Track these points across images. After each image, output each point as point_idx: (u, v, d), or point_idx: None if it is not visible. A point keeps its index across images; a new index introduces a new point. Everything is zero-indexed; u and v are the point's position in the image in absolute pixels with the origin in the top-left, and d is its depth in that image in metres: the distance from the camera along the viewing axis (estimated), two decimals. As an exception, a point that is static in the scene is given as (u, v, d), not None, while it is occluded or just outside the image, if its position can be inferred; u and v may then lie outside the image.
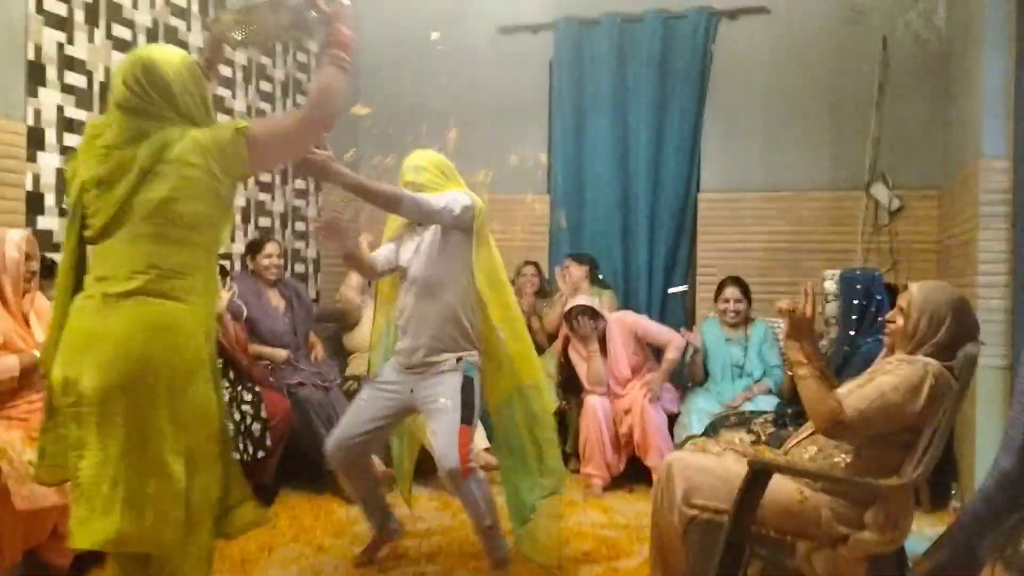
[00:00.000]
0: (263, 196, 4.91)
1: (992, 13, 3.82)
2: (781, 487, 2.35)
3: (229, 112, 4.58)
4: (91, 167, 1.99)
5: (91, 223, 1.99)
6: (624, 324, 4.45)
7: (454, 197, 2.91)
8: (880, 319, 3.47)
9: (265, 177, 4.92)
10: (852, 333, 3.69)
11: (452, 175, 3.11)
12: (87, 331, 1.92)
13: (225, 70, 4.53)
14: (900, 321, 2.39)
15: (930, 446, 2.23)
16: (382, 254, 3.14)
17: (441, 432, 2.81)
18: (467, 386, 2.88)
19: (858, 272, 3.87)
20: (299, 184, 5.27)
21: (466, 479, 2.78)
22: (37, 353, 2.83)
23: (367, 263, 3.10)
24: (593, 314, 4.37)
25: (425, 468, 4.24)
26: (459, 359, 2.93)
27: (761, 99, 5.17)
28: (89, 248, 2.03)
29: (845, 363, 3.58)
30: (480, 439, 4.37)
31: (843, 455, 2.35)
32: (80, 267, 2.04)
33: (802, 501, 2.35)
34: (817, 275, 4.12)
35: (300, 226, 5.27)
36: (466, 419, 2.81)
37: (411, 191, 2.89)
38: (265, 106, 4.93)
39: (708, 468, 2.47)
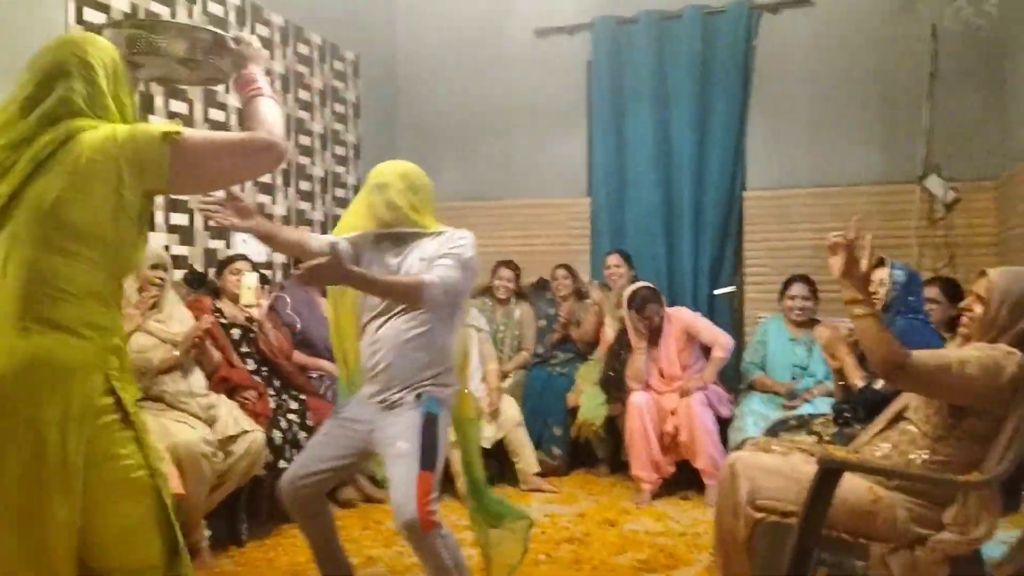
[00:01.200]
0: (303, 205, 4.89)
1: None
2: (852, 487, 2.23)
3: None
4: None
5: None
6: (679, 319, 4.36)
7: (467, 251, 2.52)
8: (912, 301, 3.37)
9: (305, 186, 4.90)
10: (890, 311, 3.54)
11: (424, 190, 2.65)
12: None
13: None
14: (978, 309, 2.26)
15: (1014, 440, 2.10)
16: (323, 243, 2.64)
17: (397, 480, 2.38)
18: (429, 426, 2.44)
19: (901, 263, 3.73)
20: (339, 193, 5.24)
21: (427, 534, 2.33)
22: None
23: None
24: (656, 298, 4.28)
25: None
26: (419, 395, 2.48)
27: (806, 93, 5.05)
28: None
29: None
30: (532, 464, 4.32)
31: (919, 452, 2.22)
32: None
33: (875, 501, 2.23)
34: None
35: (340, 235, 5.24)
36: (427, 464, 2.38)
37: (388, 210, 2.56)
38: (304, 160, 4.92)
39: (774, 468, 2.37)
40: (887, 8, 4.88)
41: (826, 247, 2.27)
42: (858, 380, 3.31)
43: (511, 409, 4.43)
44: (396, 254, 2.60)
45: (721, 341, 4.28)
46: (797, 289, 4.35)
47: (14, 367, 1.50)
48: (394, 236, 2.62)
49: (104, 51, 1.70)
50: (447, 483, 3.58)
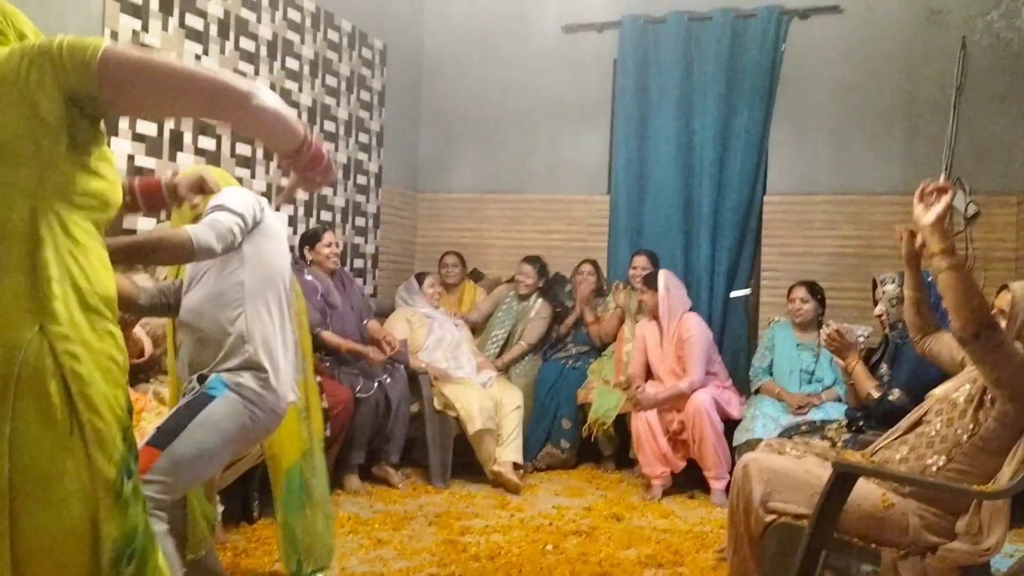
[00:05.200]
0: (325, 191, 4.91)
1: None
2: (866, 492, 2.25)
3: (295, 104, 4.60)
4: None
5: None
6: (688, 325, 4.39)
7: (239, 201, 2.21)
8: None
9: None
10: (895, 332, 3.52)
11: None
12: None
13: (292, 62, 4.56)
14: (1002, 322, 2.28)
15: (1030, 453, 2.12)
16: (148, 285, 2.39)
17: None
18: (191, 405, 2.10)
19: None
20: (360, 180, 5.27)
21: None
22: None
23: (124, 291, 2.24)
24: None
25: (467, 461, 4.22)
26: (202, 378, 2.17)
27: (831, 100, 5.04)
28: None
29: (897, 350, 3.44)
30: (513, 452, 4.31)
31: (936, 456, 2.24)
32: None
33: (888, 507, 2.24)
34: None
35: (359, 221, 5.27)
36: (157, 441, 2.02)
37: None
38: (327, 145, 4.91)
39: (787, 470, 2.38)
40: (917, 19, 4.87)
41: (917, 194, 2.26)
42: (872, 391, 3.30)
43: (510, 395, 4.48)
44: None
45: (692, 377, 4.25)
46: (797, 292, 4.39)
47: None
48: None
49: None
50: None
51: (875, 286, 3.61)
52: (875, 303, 3.58)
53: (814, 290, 4.38)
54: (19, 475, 1.25)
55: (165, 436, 2.03)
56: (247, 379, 2.17)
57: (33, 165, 1.29)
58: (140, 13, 3.57)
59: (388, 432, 4.11)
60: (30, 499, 1.26)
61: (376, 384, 4.06)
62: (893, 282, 3.54)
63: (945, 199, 2.19)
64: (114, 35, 3.44)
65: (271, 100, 1.42)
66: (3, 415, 1.23)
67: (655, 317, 4.47)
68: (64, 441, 1.27)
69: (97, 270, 1.36)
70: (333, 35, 4.92)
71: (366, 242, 5.37)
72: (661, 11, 5.32)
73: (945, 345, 2.57)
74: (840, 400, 4.08)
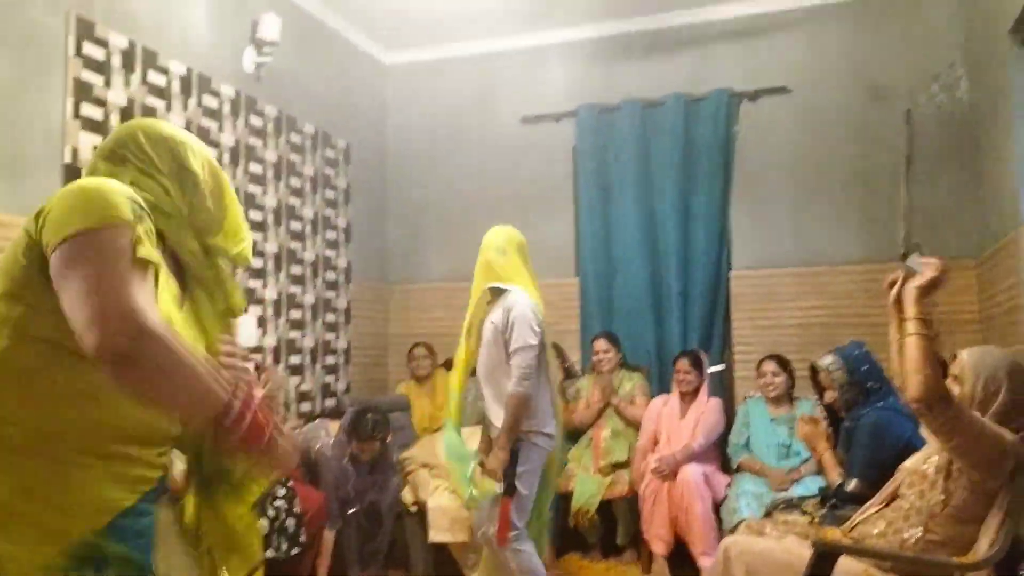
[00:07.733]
0: (294, 288, 4.92)
1: (1018, 83, 3.82)
2: (847, 568, 2.23)
3: (260, 207, 4.64)
4: None
5: None
6: (712, 407, 4.53)
7: (522, 332, 3.32)
8: (872, 387, 3.40)
9: (296, 270, 4.94)
10: (855, 407, 3.53)
11: (527, 258, 3.49)
12: None
13: (256, 167, 4.62)
14: (956, 389, 2.31)
15: (1006, 521, 2.11)
16: None
17: None
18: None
19: (851, 345, 3.72)
20: (329, 276, 5.28)
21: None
22: None
23: None
24: (697, 363, 4.59)
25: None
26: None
27: (787, 176, 5.17)
28: None
29: (849, 436, 3.44)
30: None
31: (913, 529, 2.22)
32: None
33: (871, 584, 2.22)
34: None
35: (330, 317, 5.26)
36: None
37: (487, 272, 3.40)
38: (295, 244, 4.97)
39: (768, 552, 2.36)
40: (861, 96, 5.05)
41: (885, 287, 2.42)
42: (835, 476, 3.35)
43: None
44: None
45: (702, 439, 4.36)
46: (767, 366, 4.42)
47: None
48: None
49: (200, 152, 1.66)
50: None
51: (814, 373, 3.65)
52: (817, 388, 3.61)
53: (783, 363, 4.40)
54: None
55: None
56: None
57: (14, 301, 1.34)
58: (100, 128, 3.62)
59: (377, 544, 4.00)
60: None
61: (368, 502, 3.98)
62: (839, 368, 3.57)
63: (934, 273, 2.33)
64: (74, 152, 3.48)
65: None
66: None
67: (684, 394, 4.57)
68: None
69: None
70: (296, 138, 5.00)
71: (337, 338, 5.35)
72: (615, 99, 5.48)
73: None
74: (819, 472, 4.05)
